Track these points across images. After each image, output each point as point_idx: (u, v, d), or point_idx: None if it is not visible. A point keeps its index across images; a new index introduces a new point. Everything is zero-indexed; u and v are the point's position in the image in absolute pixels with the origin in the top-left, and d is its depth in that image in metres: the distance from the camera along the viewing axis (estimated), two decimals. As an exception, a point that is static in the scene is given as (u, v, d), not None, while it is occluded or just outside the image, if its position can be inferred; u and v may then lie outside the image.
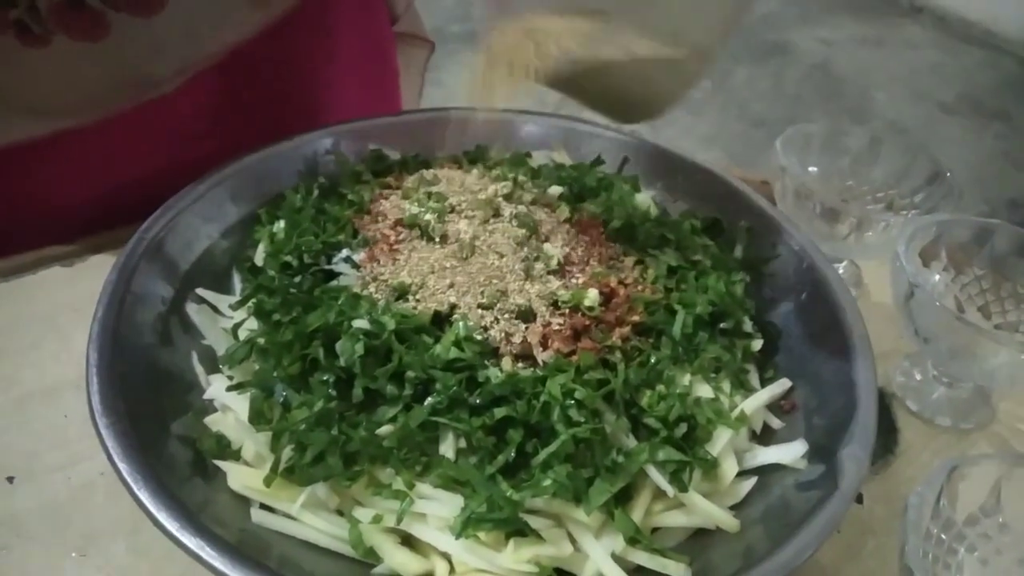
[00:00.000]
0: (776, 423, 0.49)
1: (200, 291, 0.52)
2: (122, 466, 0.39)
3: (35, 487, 0.47)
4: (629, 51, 0.43)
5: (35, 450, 0.49)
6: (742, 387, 0.50)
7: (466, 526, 0.39)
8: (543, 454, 0.41)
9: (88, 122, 0.56)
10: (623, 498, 0.42)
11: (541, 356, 0.45)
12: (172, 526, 0.37)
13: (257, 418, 0.43)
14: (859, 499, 0.50)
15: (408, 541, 0.41)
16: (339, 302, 0.46)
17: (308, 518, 0.41)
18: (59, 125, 0.56)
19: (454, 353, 0.43)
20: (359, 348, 0.43)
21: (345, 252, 0.50)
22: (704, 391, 0.47)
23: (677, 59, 0.45)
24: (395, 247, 0.49)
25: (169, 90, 0.57)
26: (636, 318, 0.48)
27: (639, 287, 0.51)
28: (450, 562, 0.40)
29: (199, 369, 0.49)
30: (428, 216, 0.50)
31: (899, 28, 3.13)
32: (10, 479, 0.48)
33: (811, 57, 2.89)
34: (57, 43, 0.50)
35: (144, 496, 0.38)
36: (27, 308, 0.59)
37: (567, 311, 0.47)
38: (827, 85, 2.74)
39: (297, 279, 0.50)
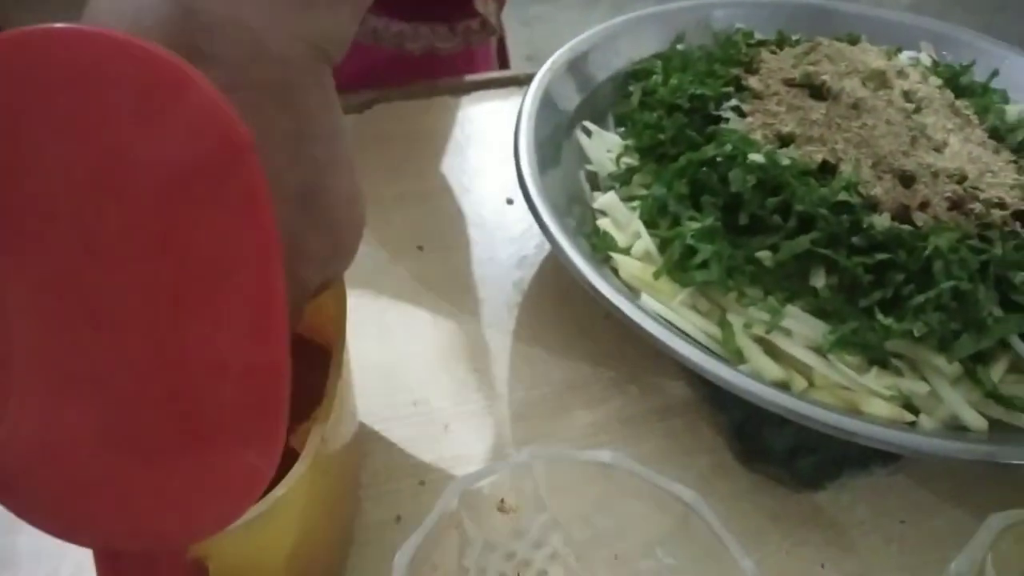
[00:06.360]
0: None
1: (587, 123, 0.59)
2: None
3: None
4: None
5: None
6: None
7: (836, 344, 0.43)
8: (920, 298, 0.43)
9: None
10: (978, 361, 0.44)
11: (920, 218, 0.47)
12: None
13: (651, 223, 0.49)
14: None
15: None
16: (731, 140, 0.50)
17: (684, 313, 0.47)
18: None
19: (843, 196, 0.46)
20: (751, 179, 0.48)
21: (734, 101, 0.54)
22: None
23: None
24: (784, 100, 0.53)
25: None
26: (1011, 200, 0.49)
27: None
28: (807, 381, 0.45)
29: (585, 186, 0.56)
30: (824, 76, 0.53)
31: None
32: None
33: None
34: None
35: None
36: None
37: (949, 184, 0.49)
38: None
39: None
